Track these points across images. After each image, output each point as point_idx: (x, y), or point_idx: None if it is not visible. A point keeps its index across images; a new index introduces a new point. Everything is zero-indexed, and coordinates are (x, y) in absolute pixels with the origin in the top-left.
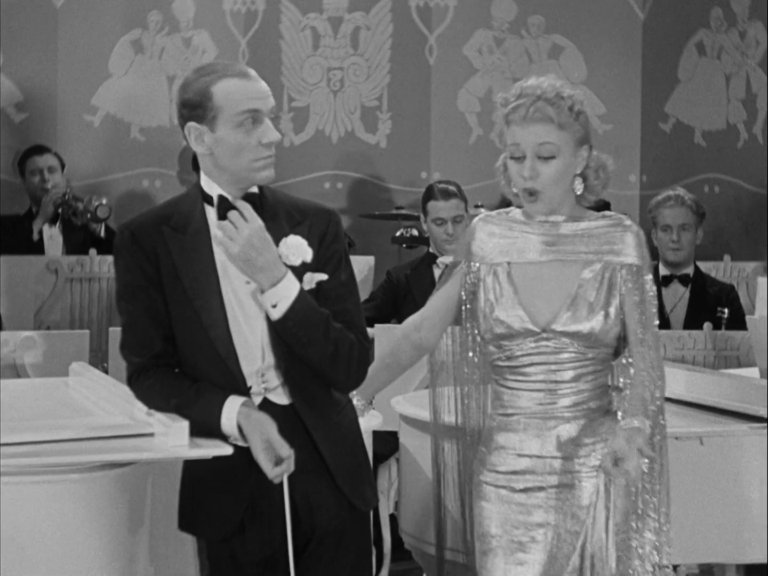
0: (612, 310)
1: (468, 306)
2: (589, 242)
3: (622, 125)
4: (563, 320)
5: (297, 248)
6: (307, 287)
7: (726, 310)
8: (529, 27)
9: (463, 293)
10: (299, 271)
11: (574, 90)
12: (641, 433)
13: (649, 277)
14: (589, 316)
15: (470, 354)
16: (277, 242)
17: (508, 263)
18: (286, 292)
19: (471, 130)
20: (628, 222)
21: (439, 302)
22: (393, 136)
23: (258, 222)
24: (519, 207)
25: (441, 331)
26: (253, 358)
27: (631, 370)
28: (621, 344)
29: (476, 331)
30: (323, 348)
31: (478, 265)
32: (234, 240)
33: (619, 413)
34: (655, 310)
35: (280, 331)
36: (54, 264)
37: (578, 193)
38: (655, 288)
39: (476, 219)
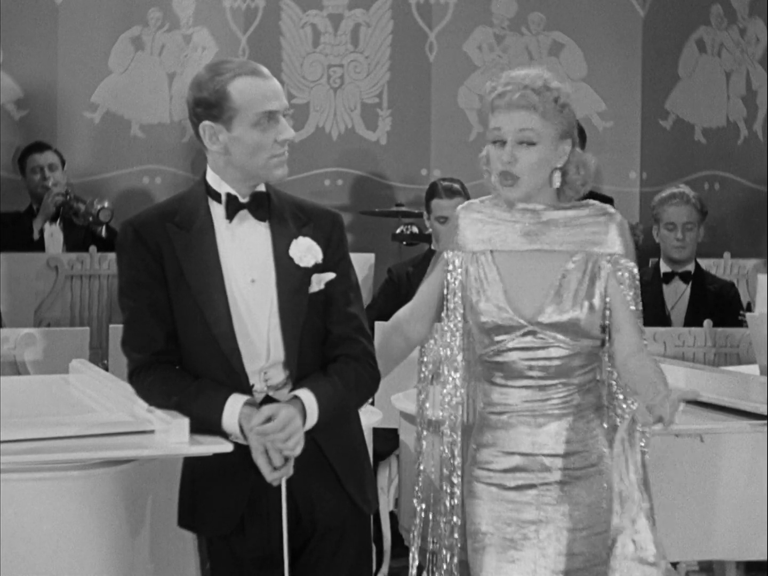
0: (596, 301)
1: (450, 296)
2: (572, 232)
3: (623, 122)
4: (548, 312)
5: (308, 250)
6: (315, 288)
7: (747, 314)
8: (529, 24)
9: (445, 282)
10: (311, 273)
11: (562, 83)
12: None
13: (633, 264)
14: (573, 307)
15: (454, 348)
16: (287, 243)
17: (491, 252)
18: (311, 420)
19: (471, 127)
20: (611, 210)
21: (426, 293)
22: (393, 133)
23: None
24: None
25: (430, 322)
26: (257, 356)
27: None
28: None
29: (460, 322)
30: (356, 405)
31: (460, 253)
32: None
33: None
34: (639, 300)
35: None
36: (54, 261)
37: (556, 186)
38: (638, 275)
39: (459, 207)
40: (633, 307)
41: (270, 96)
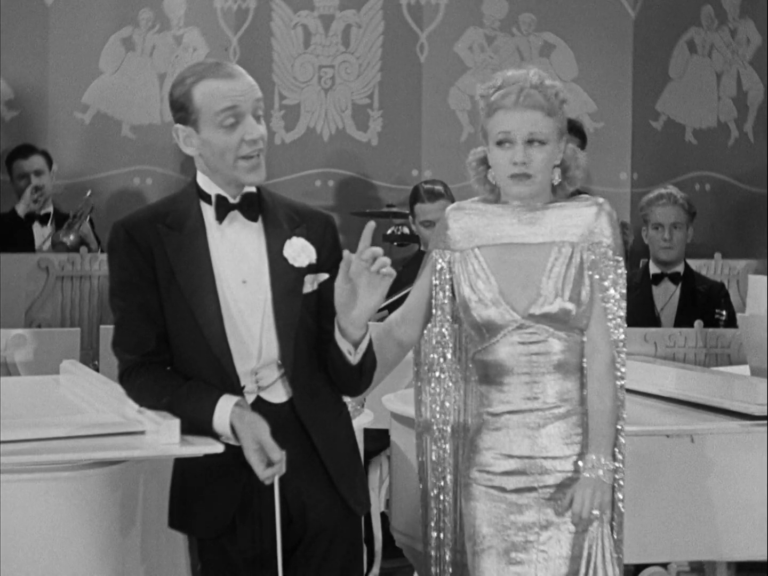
0: (585, 291)
1: (438, 295)
2: (561, 223)
3: (613, 123)
4: (539, 304)
5: (303, 249)
6: (308, 289)
7: (724, 312)
8: (520, 25)
9: (432, 281)
10: (305, 273)
11: (554, 80)
12: (604, 487)
13: (621, 259)
14: (563, 297)
15: (443, 349)
16: (280, 243)
17: (479, 248)
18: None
19: (462, 128)
20: (600, 201)
21: (416, 296)
22: (384, 134)
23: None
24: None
25: (423, 325)
26: (248, 357)
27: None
28: None
29: (449, 322)
30: (366, 385)
31: (448, 252)
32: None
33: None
34: (623, 293)
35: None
36: (45, 262)
37: (556, 182)
38: (625, 272)
39: (449, 208)
40: (605, 304)
41: (230, 94)
